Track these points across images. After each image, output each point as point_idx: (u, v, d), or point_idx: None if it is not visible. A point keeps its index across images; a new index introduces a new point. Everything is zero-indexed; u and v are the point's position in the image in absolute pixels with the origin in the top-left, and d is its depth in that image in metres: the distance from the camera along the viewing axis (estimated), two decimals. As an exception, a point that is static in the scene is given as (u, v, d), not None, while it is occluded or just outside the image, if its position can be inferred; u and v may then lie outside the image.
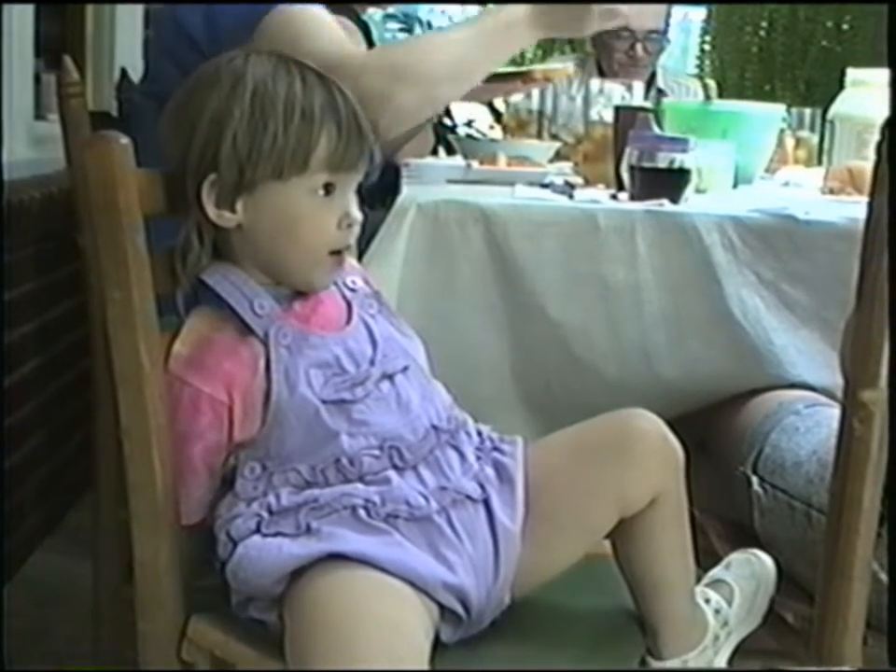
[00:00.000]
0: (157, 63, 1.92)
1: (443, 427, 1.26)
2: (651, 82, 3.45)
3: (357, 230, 1.24)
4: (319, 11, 1.83)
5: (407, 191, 1.84)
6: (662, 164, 1.80)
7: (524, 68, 2.37)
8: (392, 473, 1.20)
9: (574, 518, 1.28)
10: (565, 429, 1.33)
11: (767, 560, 1.50)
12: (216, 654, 1.22)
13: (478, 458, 1.26)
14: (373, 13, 2.45)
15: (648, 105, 2.26)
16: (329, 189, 1.20)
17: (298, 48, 1.76)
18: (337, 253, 1.24)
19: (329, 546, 1.14)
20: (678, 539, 1.33)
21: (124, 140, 1.14)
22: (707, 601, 1.41)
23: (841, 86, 2.26)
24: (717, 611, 1.41)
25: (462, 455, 1.25)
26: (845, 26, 2.31)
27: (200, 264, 1.21)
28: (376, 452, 1.20)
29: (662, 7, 3.44)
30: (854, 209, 1.66)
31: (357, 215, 1.23)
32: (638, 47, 3.37)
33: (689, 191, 1.83)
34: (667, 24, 3.51)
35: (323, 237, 1.22)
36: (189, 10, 1.87)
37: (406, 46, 1.90)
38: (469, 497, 1.22)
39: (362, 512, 1.17)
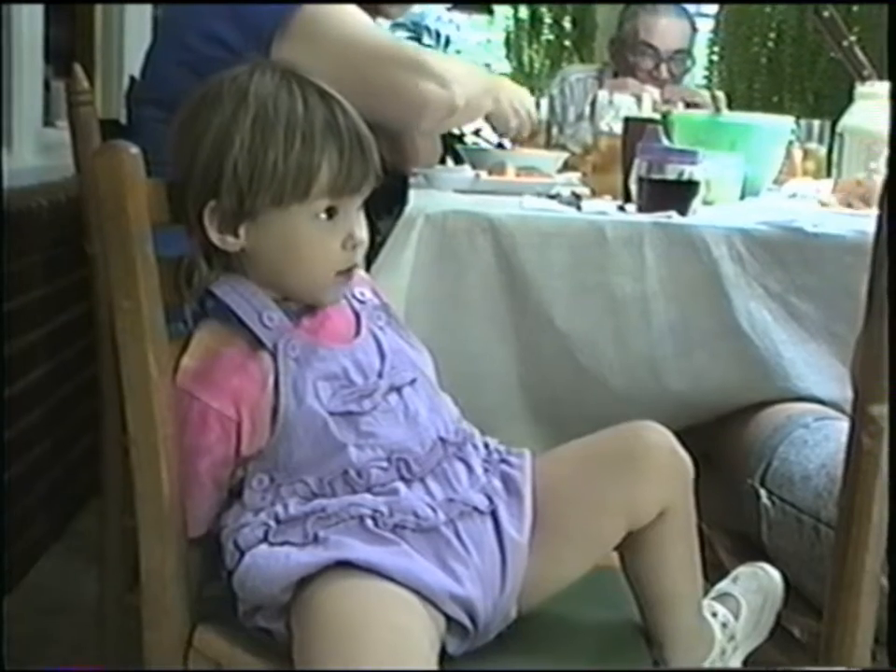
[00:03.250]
0: (166, 71, 1.92)
1: (451, 439, 1.25)
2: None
3: (363, 249, 1.24)
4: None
5: (415, 201, 1.84)
6: (670, 176, 1.80)
7: None
8: (400, 485, 1.20)
9: (582, 530, 1.27)
10: (574, 441, 1.33)
11: (774, 574, 1.49)
12: (222, 664, 1.22)
13: (485, 470, 1.26)
14: (381, 23, 2.46)
15: (657, 116, 2.26)
16: (331, 212, 1.20)
17: (351, 33, 1.86)
18: (345, 272, 1.23)
19: (337, 554, 1.14)
20: (686, 553, 1.33)
21: (134, 150, 1.14)
22: (714, 615, 1.41)
23: (850, 98, 2.26)
24: (724, 625, 1.41)
25: (470, 468, 1.25)
26: (853, 38, 2.30)
27: (207, 282, 1.22)
28: (384, 464, 1.20)
29: (687, 27, 3.42)
30: (862, 222, 1.66)
31: (362, 235, 1.23)
32: (663, 67, 3.32)
33: (697, 203, 1.83)
34: (692, 43, 3.47)
35: (328, 260, 1.21)
36: (213, 14, 1.89)
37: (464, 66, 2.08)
38: (476, 510, 1.22)
39: (370, 522, 1.17)
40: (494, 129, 2.39)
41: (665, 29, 3.35)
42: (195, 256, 1.22)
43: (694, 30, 3.49)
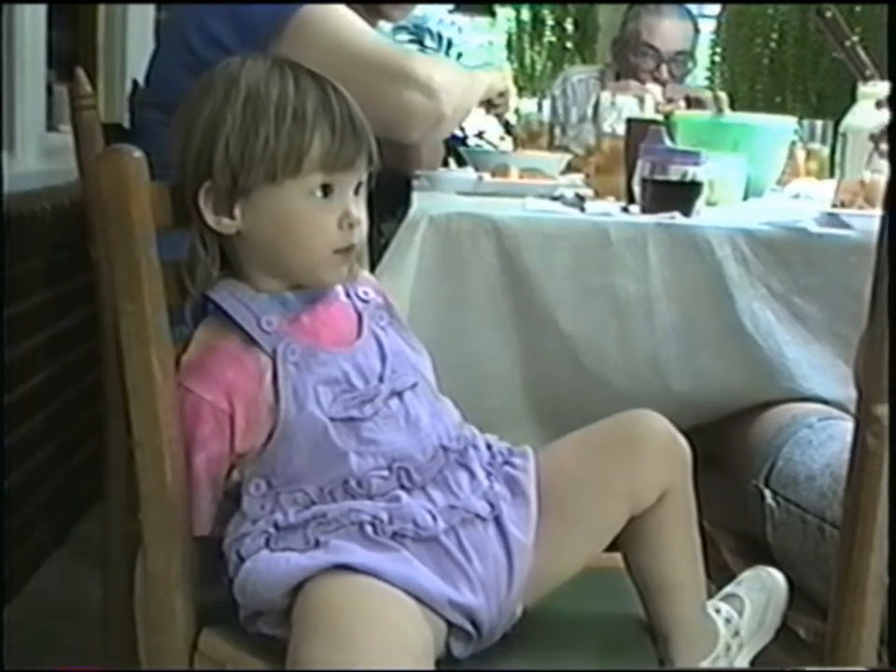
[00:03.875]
0: (169, 73, 1.92)
1: (452, 446, 1.25)
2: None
3: (360, 230, 1.23)
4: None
5: (418, 203, 1.84)
6: (674, 177, 1.80)
7: None
8: (401, 493, 1.19)
9: (585, 516, 1.28)
10: (573, 432, 1.34)
11: (778, 575, 1.49)
12: (227, 667, 1.22)
13: (488, 474, 1.26)
14: (383, 26, 2.46)
15: (659, 117, 2.26)
16: (326, 190, 1.20)
17: (341, 39, 1.85)
18: (343, 251, 1.22)
19: (336, 558, 1.13)
20: (686, 538, 1.33)
21: (137, 153, 1.14)
22: (718, 611, 1.41)
23: (853, 98, 2.26)
24: (728, 621, 1.41)
25: (472, 474, 1.24)
26: (856, 38, 2.31)
27: (209, 274, 1.21)
28: (385, 473, 1.19)
29: (690, 29, 3.43)
30: (866, 222, 1.66)
31: (359, 214, 1.22)
32: (664, 68, 3.34)
33: (700, 204, 1.83)
34: (693, 48, 3.48)
35: (324, 238, 1.21)
36: (212, 16, 1.89)
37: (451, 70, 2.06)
38: (478, 516, 1.21)
39: (369, 529, 1.17)
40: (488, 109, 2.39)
41: (668, 30, 3.36)
42: (196, 247, 1.21)
43: (697, 31, 3.50)
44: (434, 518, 1.19)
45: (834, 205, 2.12)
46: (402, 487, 1.20)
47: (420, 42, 6.40)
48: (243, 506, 1.19)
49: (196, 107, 1.20)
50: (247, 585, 1.16)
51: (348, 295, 1.28)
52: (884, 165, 2.03)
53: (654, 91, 2.78)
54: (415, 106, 1.92)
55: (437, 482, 1.22)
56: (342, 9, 1.94)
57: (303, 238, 1.20)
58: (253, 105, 1.18)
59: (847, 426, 1.25)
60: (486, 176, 2.19)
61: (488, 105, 2.33)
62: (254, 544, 1.17)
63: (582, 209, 1.88)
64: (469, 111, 2.20)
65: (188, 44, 1.90)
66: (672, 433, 1.30)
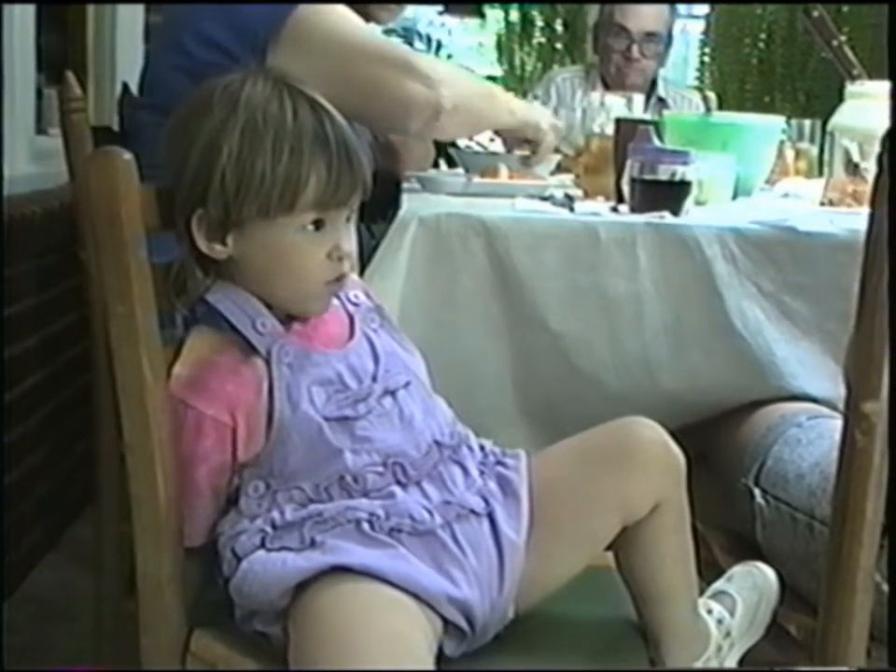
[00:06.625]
0: (164, 76, 1.92)
1: (446, 442, 1.26)
2: (651, 92, 3.45)
3: (349, 261, 1.23)
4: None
5: (408, 205, 1.84)
6: (663, 177, 1.81)
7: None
8: (396, 489, 1.20)
9: (577, 527, 1.28)
10: (566, 439, 1.33)
11: (769, 572, 1.50)
12: (219, 668, 1.22)
13: (481, 473, 1.26)
14: (373, 28, 2.46)
15: (648, 117, 2.27)
16: (318, 224, 1.20)
17: (340, 33, 1.86)
18: (333, 282, 1.23)
19: (334, 559, 1.14)
20: (680, 547, 1.33)
21: (127, 156, 1.14)
22: (710, 612, 1.42)
23: (841, 98, 2.27)
24: (719, 622, 1.41)
25: (465, 470, 1.25)
26: (843, 38, 2.32)
27: (205, 289, 1.22)
28: (380, 468, 1.20)
29: (664, 12, 3.46)
30: (854, 220, 1.67)
31: (349, 247, 1.22)
32: (634, 48, 3.39)
33: (689, 203, 1.83)
34: (670, 31, 3.51)
35: (314, 270, 1.21)
36: (207, 17, 1.89)
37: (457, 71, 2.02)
38: (472, 512, 1.22)
39: (366, 526, 1.17)
40: (506, 142, 2.33)
41: (639, 11, 3.42)
42: (187, 261, 1.22)
43: (673, 17, 3.54)
44: (430, 513, 1.19)
45: (823, 204, 2.13)
46: (398, 483, 1.20)
47: (409, 44, 6.41)
48: (240, 504, 1.20)
49: (194, 128, 1.19)
50: (244, 586, 1.16)
51: (339, 298, 1.29)
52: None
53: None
54: (416, 96, 1.90)
55: (431, 477, 1.23)
56: (338, 6, 1.95)
57: (294, 270, 1.21)
58: (250, 136, 1.17)
59: (837, 424, 1.26)
60: (476, 177, 2.20)
61: (525, 142, 2.25)
62: (250, 542, 1.17)
63: (572, 209, 1.88)
64: (481, 120, 2.13)
65: (182, 46, 1.90)
66: (666, 442, 1.30)
